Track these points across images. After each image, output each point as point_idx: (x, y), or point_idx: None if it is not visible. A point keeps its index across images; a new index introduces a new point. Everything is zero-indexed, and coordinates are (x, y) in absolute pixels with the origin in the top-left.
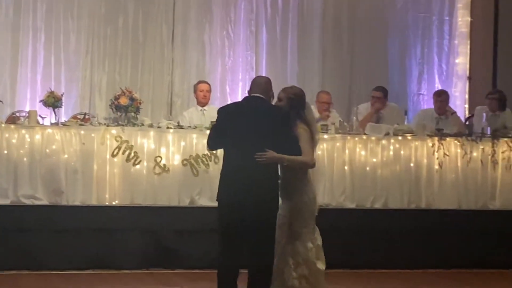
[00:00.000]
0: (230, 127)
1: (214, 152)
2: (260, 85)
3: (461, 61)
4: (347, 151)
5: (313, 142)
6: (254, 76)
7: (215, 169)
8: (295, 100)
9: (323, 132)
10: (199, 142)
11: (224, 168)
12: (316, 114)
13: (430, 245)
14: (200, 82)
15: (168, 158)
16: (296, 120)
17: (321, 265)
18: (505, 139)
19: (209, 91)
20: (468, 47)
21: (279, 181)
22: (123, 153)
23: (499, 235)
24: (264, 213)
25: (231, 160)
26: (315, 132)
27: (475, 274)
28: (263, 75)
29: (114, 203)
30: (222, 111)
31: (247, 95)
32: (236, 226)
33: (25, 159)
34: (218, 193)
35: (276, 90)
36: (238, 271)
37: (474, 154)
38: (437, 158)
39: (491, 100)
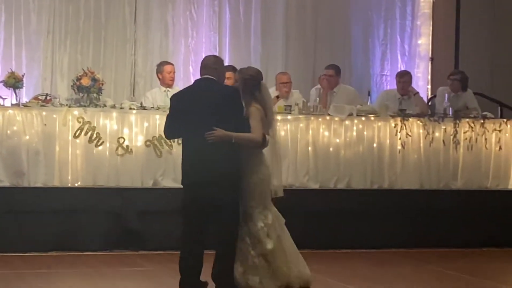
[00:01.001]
0: (182, 112)
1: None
2: (207, 66)
3: (424, 42)
4: (310, 132)
5: (266, 121)
6: None
7: (179, 150)
8: (249, 80)
9: (286, 113)
10: (162, 123)
11: (183, 152)
12: (275, 93)
13: (393, 225)
14: (165, 63)
15: (131, 139)
16: (250, 100)
17: (270, 245)
18: (467, 119)
19: (175, 72)
20: (431, 28)
21: None
22: (85, 134)
23: (461, 214)
24: (220, 192)
25: (187, 144)
26: (268, 111)
27: (437, 253)
28: (226, 56)
29: (76, 184)
30: (173, 98)
31: (198, 77)
32: (195, 207)
33: None
34: (182, 177)
35: None
36: (202, 252)
37: (436, 134)
38: (400, 139)
39: (453, 81)
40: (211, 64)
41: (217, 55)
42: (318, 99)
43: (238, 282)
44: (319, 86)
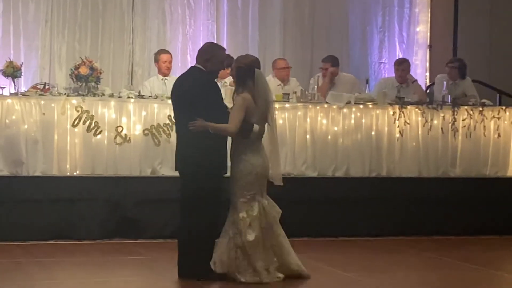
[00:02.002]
0: (172, 102)
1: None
2: (198, 54)
3: (422, 29)
4: (308, 120)
5: (256, 110)
6: None
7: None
8: (243, 69)
9: (284, 101)
10: (160, 111)
11: (207, 141)
12: (276, 82)
13: (391, 213)
14: (162, 52)
15: (129, 128)
16: (240, 89)
17: (250, 236)
18: (465, 107)
19: (171, 61)
20: (429, 15)
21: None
22: (83, 123)
23: (460, 202)
24: (183, 181)
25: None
26: (260, 100)
27: (435, 241)
28: (224, 44)
29: (75, 173)
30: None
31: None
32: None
33: None
34: (210, 167)
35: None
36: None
37: (435, 122)
38: (398, 127)
39: (451, 69)
40: (201, 53)
41: (214, 42)
42: (316, 87)
43: (214, 271)
44: (319, 74)
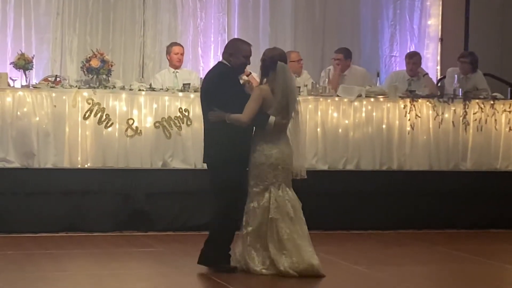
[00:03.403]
0: (200, 97)
1: (187, 114)
2: (224, 49)
3: (433, 22)
4: (319, 113)
5: (275, 102)
6: (226, 38)
7: (188, 131)
8: (266, 61)
9: None
10: (171, 104)
11: (230, 133)
12: None
13: (402, 206)
14: (173, 44)
15: (140, 120)
16: (262, 81)
17: (254, 225)
18: (477, 100)
19: (183, 54)
20: (440, 8)
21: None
22: (95, 116)
23: (470, 195)
24: (210, 174)
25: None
26: (278, 92)
27: (445, 234)
28: (235, 37)
29: (86, 165)
30: None
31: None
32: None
33: None
34: (234, 156)
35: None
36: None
37: (446, 115)
38: (409, 120)
39: (463, 64)
40: (226, 48)
41: (239, 38)
42: (326, 80)
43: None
44: (330, 67)
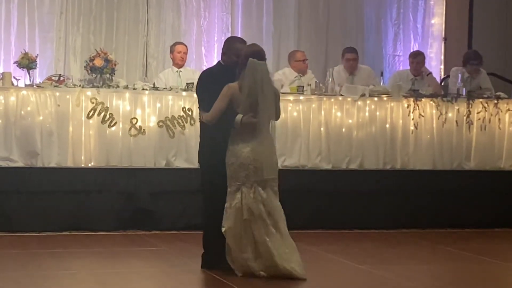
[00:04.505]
0: None
1: (190, 113)
2: (222, 48)
3: (437, 21)
4: (323, 113)
5: (242, 100)
6: None
7: (191, 130)
8: (241, 59)
9: (298, 94)
10: (174, 103)
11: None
12: (293, 74)
13: (405, 205)
14: (177, 43)
15: (143, 119)
16: (235, 79)
17: (226, 226)
18: (480, 99)
19: (186, 52)
20: (444, 7)
21: None
22: (98, 115)
23: (474, 195)
24: (201, 174)
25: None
26: (245, 89)
27: (449, 234)
28: (239, 36)
29: (89, 165)
30: None
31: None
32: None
33: (0, 121)
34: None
35: None
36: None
37: (450, 114)
38: (413, 119)
39: (472, 66)
40: (223, 47)
41: (237, 36)
42: (330, 79)
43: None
44: (335, 67)
